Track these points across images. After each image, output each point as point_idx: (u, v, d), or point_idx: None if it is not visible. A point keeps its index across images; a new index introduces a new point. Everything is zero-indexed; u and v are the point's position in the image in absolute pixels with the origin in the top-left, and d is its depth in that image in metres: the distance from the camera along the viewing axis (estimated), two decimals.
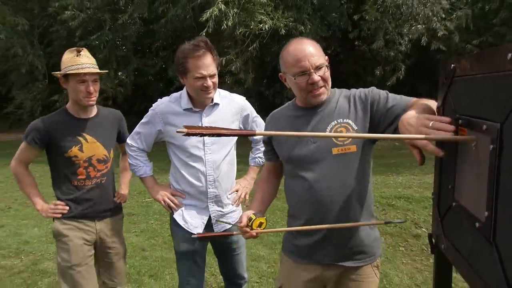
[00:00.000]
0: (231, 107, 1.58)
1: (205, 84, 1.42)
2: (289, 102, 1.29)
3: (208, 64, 1.41)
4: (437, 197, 0.86)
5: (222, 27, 5.79)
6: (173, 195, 1.56)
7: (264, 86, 8.80)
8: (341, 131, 1.13)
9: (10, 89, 10.25)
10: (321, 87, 1.12)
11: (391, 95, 1.13)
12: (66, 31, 8.07)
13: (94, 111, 1.63)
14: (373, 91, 1.16)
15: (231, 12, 5.78)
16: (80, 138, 1.56)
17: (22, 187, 1.63)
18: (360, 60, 8.49)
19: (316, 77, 1.10)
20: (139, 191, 4.73)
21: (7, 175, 5.45)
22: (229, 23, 5.76)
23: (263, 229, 1.19)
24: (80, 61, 1.48)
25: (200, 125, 1.48)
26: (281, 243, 3.18)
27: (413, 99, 1.07)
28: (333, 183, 1.13)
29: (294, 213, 1.24)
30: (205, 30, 5.78)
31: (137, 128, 1.60)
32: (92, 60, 1.53)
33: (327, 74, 1.13)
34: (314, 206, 1.15)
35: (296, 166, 1.19)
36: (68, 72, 1.47)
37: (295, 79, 1.12)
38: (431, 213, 0.90)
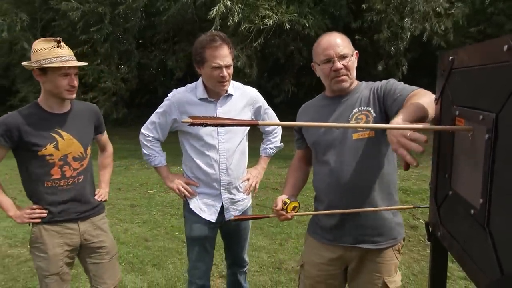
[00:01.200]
0: (243, 98, 1.64)
1: (221, 74, 1.47)
2: (320, 94, 1.38)
3: (225, 55, 1.46)
4: (434, 187, 0.88)
5: (228, 23, 5.78)
6: (187, 183, 1.62)
7: (265, 79, 8.77)
8: (361, 118, 1.21)
9: (13, 82, 10.24)
10: (343, 75, 1.22)
11: (401, 87, 1.17)
12: (69, 25, 8.04)
13: (68, 105, 1.50)
14: (388, 83, 1.21)
15: (236, 8, 5.75)
16: (55, 135, 1.42)
17: None
18: (361, 53, 8.47)
19: (339, 64, 1.20)
20: (141, 183, 4.78)
21: (11, 167, 5.50)
22: (235, 19, 5.74)
23: (297, 212, 1.27)
24: (62, 53, 1.35)
25: (215, 114, 1.55)
26: (281, 234, 3.24)
27: (414, 91, 1.11)
28: (352, 167, 1.20)
29: (319, 196, 1.32)
30: (213, 27, 5.76)
31: (152, 118, 1.63)
32: (71, 52, 1.42)
33: (351, 64, 1.22)
34: (335, 188, 1.23)
35: (320, 151, 1.28)
36: (49, 65, 1.33)
37: (320, 65, 1.23)
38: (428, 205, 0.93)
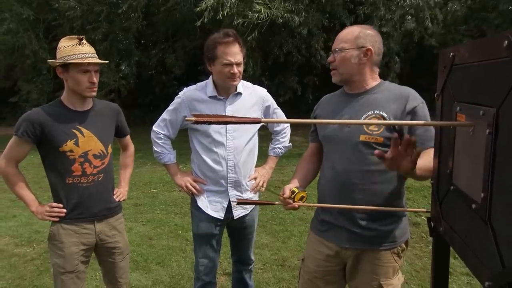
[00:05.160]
0: (252, 97, 1.65)
1: (231, 71, 1.49)
2: (340, 89, 1.36)
3: (236, 52, 1.49)
4: (436, 182, 0.89)
5: (218, 17, 5.79)
6: (195, 181, 1.64)
7: (266, 77, 8.76)
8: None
9: (16, 82, 10.30)
10: (332, 68, 1.24)
11: (421, 133, 1.14)
12: (69, 25, 8.09)
13: (90, 103, 1.52)
14: (418, 111, 1.15)
15: (229, 2, 5.76)
16: (76, 132, 1.45)
17: (12, 189, 1.48)
18: None
19: (330, 57, 1.24)
20: (144, 182, 4.81)
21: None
22: (225, 13, 5.75)
23: (304, 202, 1.23)
24: (83, 50, 1.40)
25: (224, 112, 1.57)
26: (283, 231, 3.25)
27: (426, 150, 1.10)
28: (354, 167, 1.19)
29: (322, 190, 1.31)
30: (201, 20, 5.80)
31: (163, 116, 1.66)
32: (93, 50, 1.46)
33: (340, 59, 1.21)
34: (335, 185, 1.23)
35: (328, 145, 1.28)
36: (70, 61, 1.37)
37: None
38: (430, 202, 0.94)
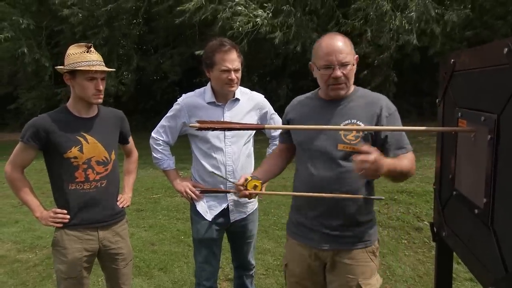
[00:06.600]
0: (250, 103, 1.68)
1: (229, 77, 1.52)
2: (313, 91, 1.36)
3: (233, 59, 1.52)
4: (438, 188, 0.89)
5: (199, 18, 5.84)
6: (194, 187, 1.65)
7: (265, 82, 8.78)
8: (351, 132, 1.19)
9: (17, 89, 10.42)
10: (342, 83, 1.20)
11: (394, 141, 1.19)
12: (71, 31, 8.18)
13: (95, 110, 1.54)
14: (390, 118, 1.20)
15: (209, 6, 5.82)
16: (81, 138, 1.47)
17: (18, 194, 1.50)
18: None
19: (338, 72, 1.17)
20: (146, 188, 4.81)
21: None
22: (203, 16, 5.82)
23: (257, 191, 1.26)
24: (91, 58, 1.43)
25: (222, 118, 1.59)
26: (286, 236, 3.21)
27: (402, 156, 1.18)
28: (331, 175, 1.21)
29: (296, 192, 1.32)
30: (181, 19, 5.91)
31: (162, 122, 1.68)
32: (101, 57, 1.48)
33: (351, 72, 1.20)
34: (310, 190, 1.24)
35: (305, 152, 1.28)
36: (78, 69, 1.40)
37: (320, 70, 1.20)
38: (432, 207, 0.95)
